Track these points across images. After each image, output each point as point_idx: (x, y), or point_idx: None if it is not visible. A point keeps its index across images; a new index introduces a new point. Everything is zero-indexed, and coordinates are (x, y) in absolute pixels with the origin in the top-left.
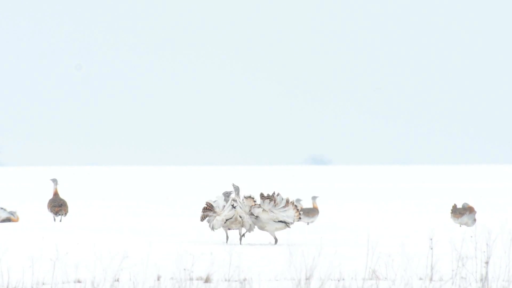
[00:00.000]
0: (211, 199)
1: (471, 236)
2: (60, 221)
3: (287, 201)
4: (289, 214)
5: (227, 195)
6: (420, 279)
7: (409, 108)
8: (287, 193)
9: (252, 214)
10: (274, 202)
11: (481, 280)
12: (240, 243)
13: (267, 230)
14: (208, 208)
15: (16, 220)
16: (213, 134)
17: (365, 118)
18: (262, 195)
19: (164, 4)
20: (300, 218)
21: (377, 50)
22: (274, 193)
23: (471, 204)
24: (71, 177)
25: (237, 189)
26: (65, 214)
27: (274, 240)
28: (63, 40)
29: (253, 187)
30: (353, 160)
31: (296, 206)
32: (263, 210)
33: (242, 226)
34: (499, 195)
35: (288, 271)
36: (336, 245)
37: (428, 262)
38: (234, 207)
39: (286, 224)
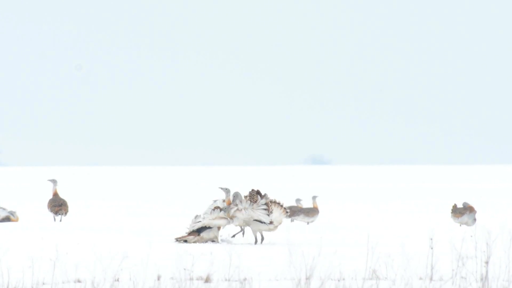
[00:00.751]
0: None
1: (471, 236)
2: (60, 221)
3: (269, 202)
4: (264, 213)
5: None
6: (420, 279)
7: (409, 108)
8: (287, 193)
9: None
10: (255, 202)
11: (481, 279)
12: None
13: (251, 228)
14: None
15: (16, 220)
16: (213, 135)
17: (365, 118)
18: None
19: (164, 4)
20: (287, 212)
21: (377, 51)
22: (253, 191)
23: (471, 204)
24: (71, 177)
25: (227, 191)
26: (65, 214)
27: (254, 240)
28: (63, 40)
29: (252, 188)
30: (353, 160)
31: (281, 205)
32: (237, 209)
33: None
34: (499, 195)
35: (288, 271)
36: (336, 245)
37: (428, 262)
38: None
39: (268, 224)
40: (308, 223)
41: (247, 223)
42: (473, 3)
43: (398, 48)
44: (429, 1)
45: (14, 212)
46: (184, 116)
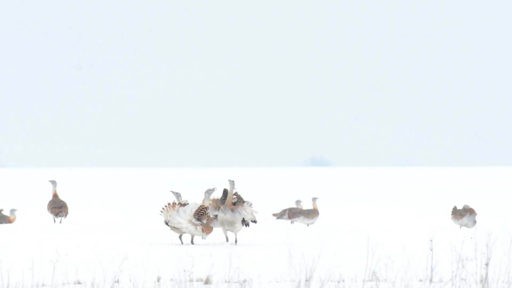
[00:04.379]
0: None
1: (471, 238)
2: (60, 222)
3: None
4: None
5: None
6: (420, 280)
7: (409, 109)
8: (287, 195)
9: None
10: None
11: (481, 281)
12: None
13: (231, 230)
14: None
15: (13, 220)
16: (213, 136)
17: (365, 119)
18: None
19: (164, 4)
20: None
21: (377, 51)
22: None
23: (471, 205)
24: (71, 179)
25: (178, 195)
26: (66, 215)
27: (234, 240)
28: (63, 40)
29: (252, 189)
30: (353, 161)
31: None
32: (253, 211)
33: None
34: (499, 196)
35: (288, 272)
36: (336, 246)
37: (428, 264)
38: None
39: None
40: (308, 225)
41: (233, 223)
42: (473, 3)
43: (398, 49)
44: (429, 1)
45: (14, 210)
46: (184, 117)
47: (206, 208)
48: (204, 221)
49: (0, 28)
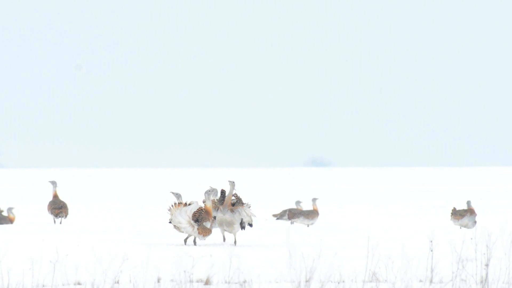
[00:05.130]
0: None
1: (471, 238)
2: (60, 223)
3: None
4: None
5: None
6: (420, 281)
7: (409, 110)
8: (287, 195)
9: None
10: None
11: (481, 282)
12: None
13: (229, 231)
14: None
15: (13, 219)
16: (212, 136)
17: (365, 120)
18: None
19: (164, 4)
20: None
21: (377, 51)
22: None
23: (474, 204)
24: (71, 179)
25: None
26: (66, 216)
27: (234, 241)
28: (63, 40)
29: (252, 189)
30: (353, 162)
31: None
32: (251, 214)
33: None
34: (499, 197)
35: (288, 273)
36: (336, 247)
37: (428, 264)
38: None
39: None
40: (308, 225)
41: (231, 224)
42: (473, 3)
43: (398, 49)
44: (429, 1)
45: (12, 208)
46: (184, 117)
47: (202, 210)
48: (208, 224)
49: (0, 28)
